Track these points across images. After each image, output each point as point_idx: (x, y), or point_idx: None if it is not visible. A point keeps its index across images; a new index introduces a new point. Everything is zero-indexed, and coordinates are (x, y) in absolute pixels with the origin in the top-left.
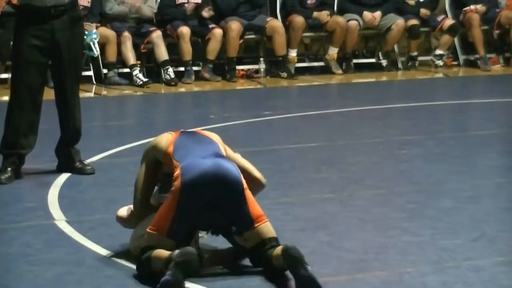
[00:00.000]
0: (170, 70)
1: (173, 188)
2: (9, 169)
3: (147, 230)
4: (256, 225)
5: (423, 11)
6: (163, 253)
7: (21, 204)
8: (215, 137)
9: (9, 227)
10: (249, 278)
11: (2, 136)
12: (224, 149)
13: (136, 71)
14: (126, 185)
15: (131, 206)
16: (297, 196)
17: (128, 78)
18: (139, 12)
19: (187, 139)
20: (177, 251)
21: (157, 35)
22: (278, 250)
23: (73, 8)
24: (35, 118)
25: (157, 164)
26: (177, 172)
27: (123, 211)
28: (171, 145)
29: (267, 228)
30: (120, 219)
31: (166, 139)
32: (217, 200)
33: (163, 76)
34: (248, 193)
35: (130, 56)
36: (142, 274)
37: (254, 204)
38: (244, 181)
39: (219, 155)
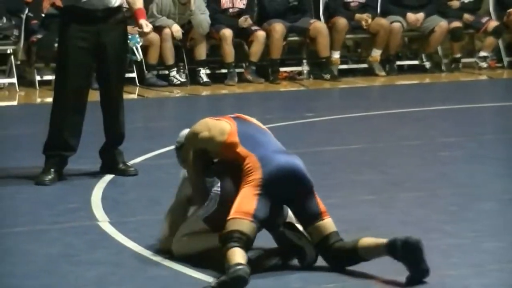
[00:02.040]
0: (203, 72)
1: (250, 177)
2: (52, 170)
3: (230, 217)
4: (322, 219)
5: (466, 16)
6: (232, 257)
7: (64, 205)
8: (266, 129)
9: (52, 228)
10: (291, 278)
11: (46, 137)
12: None
13: (174, 72)
14: (169, 187)
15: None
16: (339, 198)
17: (169, 79)
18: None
19: (250, 129)
20: (235, 268)
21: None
22: (368, 240)
23: (119, 11)
24: (79, 120)
25: (203, 152)
26: (253, 163)
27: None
28: (235, 135)
29: (331, 223)
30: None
31: (220, 130)
32: (292, 194)
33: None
34: (314, 190)
35: (169, 56)
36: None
37: (319, 201)
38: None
39: (286, 151)
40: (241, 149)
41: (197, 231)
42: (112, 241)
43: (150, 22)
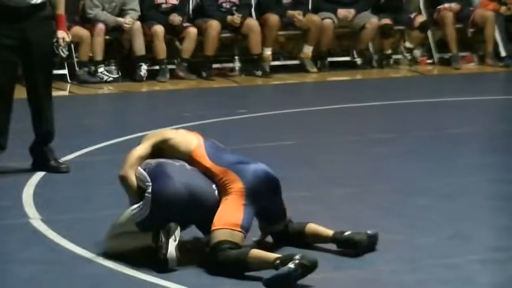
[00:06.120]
0: (144, 67)
1: (232, 190)
2: None
3: (219, 227)
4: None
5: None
6: (265, 254)
7: None
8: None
9: None
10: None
11: None
12: None
13: (102, 68)
14: (101, 184)
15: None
16: None
17: (99, 76)
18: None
19: (215, 145)
20: (299, 255)
21: (136, 27)
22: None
23: (43, 8)
24: (6, 118)
25: (156, 153)
26: (229, 176)
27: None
28: (202, 149)
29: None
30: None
31: (188, 141)
32: (270, 199)
33: (137, 72)
34: None
35: (99, 52)
36: (235, 269)
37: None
38: None
39: (250, 159)
40: (211, 164)
41: (129, 231)
42: (44, 239)
43: (85, 15)
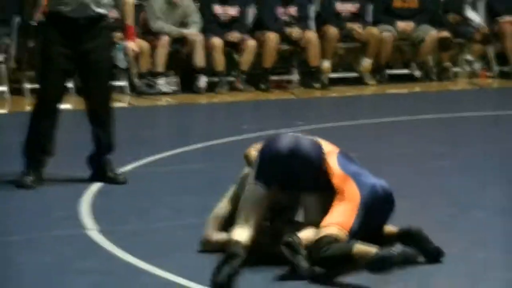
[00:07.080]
0: (203, 79)
1: (348, 196)
2: (33, 172)
3: (329, 224)
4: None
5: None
6: (368, 247)
7: (53, 213)
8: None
9: (41, 236)
10: None
11: (24, 141)
12: None
13: (162, 80)
14: (159, 195)
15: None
16: None
17: (159, 87)
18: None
19: (345, 156)
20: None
21: (198, 39)
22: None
23: (102, 19)
24: (53, 125)
25: None
26: (350, 184)
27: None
28: (333, 156)
29: None
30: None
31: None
32: (380, 215)
33: (197, 84)
34: None
35: (161, 63)
36: (341, 261)
37: None
38: None
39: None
40: (336, 168)
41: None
42: (101, 250)
43: (147, 27)
